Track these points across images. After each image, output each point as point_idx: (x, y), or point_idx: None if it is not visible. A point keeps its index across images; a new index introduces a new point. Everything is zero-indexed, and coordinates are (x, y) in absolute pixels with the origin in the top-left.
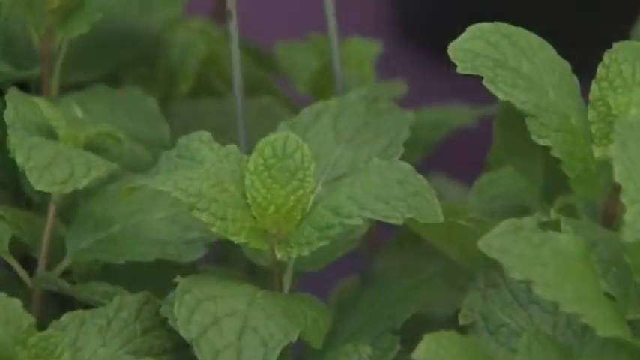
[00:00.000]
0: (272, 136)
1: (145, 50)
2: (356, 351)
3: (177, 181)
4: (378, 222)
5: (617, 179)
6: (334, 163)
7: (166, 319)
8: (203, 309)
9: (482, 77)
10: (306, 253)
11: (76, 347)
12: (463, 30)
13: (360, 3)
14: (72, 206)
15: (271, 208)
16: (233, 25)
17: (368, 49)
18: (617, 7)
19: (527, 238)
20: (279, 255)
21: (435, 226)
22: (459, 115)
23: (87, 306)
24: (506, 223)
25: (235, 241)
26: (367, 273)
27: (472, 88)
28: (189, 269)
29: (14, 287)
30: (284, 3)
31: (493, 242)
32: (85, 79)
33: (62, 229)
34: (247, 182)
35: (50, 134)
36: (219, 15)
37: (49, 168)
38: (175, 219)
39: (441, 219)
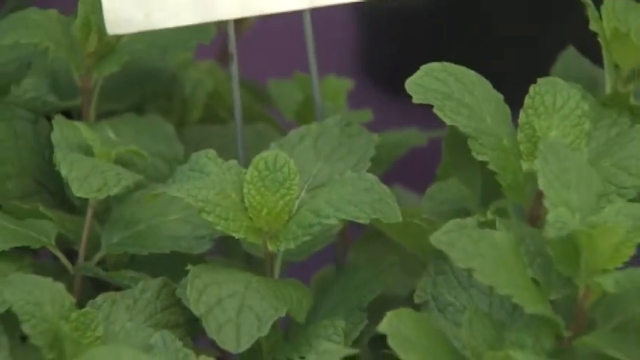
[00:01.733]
0: (265, 153)
1: (164, 86)
2: (332, 325)
3: (189, 190)
4: (350, 221)
5: (540, 187)
6: (315, 175)
7: (180, 299)
8: (209, 291)
9: (432, 106)
10: (292, 246)
11: (108, 322)
12: (417, 69)
13: (336, 48)
14: (106, 209)
15: (264, 211)
16: (234, 67)
17: (341, 85)
18: (538, 53)
19: (469, 234)
20: (270, 248)
21: (395, 225)
22: (414, 137)
23: (117, 289)
24: (452, 223)
25: (235, 237)
26: (341, 262)
27: (424, 116)
28: (199, 260)
29: (59, 274)
30: (275, 49)
31: (441, 238)
32: (116, 108)
33: (98, 228)
34: (245, 190)
35: (88, 152)
36: (223, 59)
37: (87, 179)
38: (187, 219)
39: (400, 219)
